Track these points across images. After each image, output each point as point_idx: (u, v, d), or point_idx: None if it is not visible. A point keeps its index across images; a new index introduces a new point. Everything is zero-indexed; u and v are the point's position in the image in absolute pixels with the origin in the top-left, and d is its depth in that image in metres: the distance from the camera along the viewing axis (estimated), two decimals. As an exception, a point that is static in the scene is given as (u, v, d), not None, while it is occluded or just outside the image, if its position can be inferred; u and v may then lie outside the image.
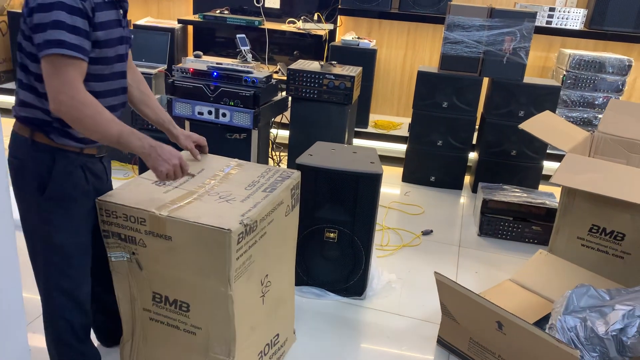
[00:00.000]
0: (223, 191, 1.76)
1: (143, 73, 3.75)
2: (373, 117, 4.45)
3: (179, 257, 1.62)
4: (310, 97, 3.38)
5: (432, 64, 4.46)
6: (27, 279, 1.64)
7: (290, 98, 3.36)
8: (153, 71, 3.74)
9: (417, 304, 2.53)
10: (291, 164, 3.58)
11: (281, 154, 4.02)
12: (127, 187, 1.74)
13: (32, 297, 1.85)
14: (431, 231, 3.24)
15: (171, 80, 2.67)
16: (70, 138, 1.56)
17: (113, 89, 1.61)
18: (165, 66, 3.91)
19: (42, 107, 1.51)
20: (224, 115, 2.64)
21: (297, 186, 1.93)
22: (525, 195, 3.27)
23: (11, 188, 1.41)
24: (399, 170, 4.13)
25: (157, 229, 1.60)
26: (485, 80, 3.80)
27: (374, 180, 2.32)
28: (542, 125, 2.70)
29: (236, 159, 2.01)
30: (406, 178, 3.98)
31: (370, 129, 4.29)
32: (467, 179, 4.03)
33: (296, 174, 1.93)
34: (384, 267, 2.76)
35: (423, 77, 3.76)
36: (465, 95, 3.71)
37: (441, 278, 2.06)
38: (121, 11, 1.59)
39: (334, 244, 2.43)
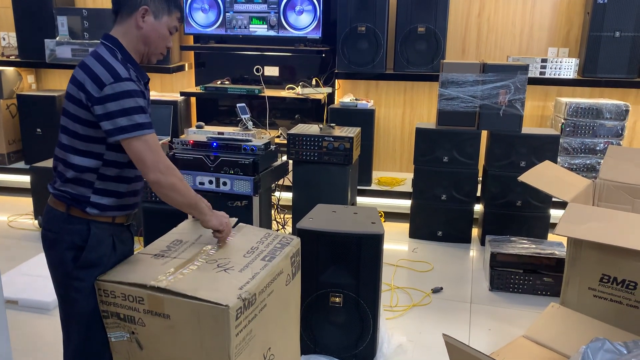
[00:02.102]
0: (221, 258, 1.75)
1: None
2: (376, 174, 4.48)
3: (179, 335, 1.60)
4: (310, 160, 3.41)
5: (430, 120, 4.52)
6: None
7: (291, 162, 3.40)
8: (157, 143, 3.83)
9: (429, 366, 2.45)
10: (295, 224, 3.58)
11: (286, 216, 4.02)
12: (125, 265, 1.75)
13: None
14: (441, 288, 3.18)
15: (172, 152, 2.72)
16: (103, 209, 1.69)
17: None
18: (170, 137, 3.99)
19: (87, 182, 1.66)
20: (224, 183, 2.68)
21: (297, 253, 1.92)
22: (534, 246, 3.23)
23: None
24: (405, 227, 4.11)
25: (155, 307, 1.59)
26: (484, 133, 3.83)
27: (376, 241, 2.31)
28: (541, 176, 2.69)
29: (234, 218, 2.00)
30: (413, 234, 3.95)
31: (374, 186, 4.30)
32: (475, 231, 3.99)
33: (295, 241, 1.92)
34: (394, 329, 2.70)
35: (422, 134, 3.80)
36: (465, 149, 3.74)
37: (450, 340, 2.00)
38: (148, 91, 1.78)
39: (339, 308, 2.39)
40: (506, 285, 3.16)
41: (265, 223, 2.91)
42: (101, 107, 1.56)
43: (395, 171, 4.71)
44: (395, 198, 4.24)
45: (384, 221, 4.25)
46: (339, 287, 2.37)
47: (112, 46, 1.66)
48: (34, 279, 3.13)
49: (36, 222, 4.06)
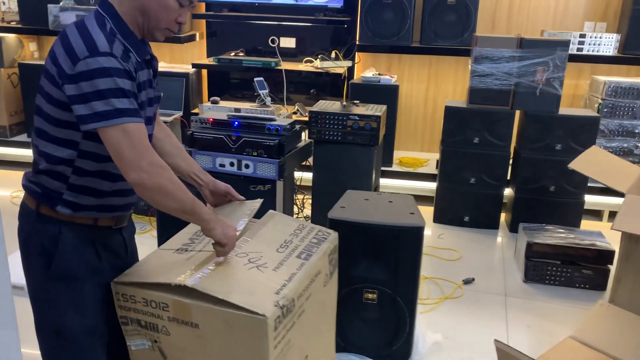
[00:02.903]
0: (252, 251, 1.55)
1: (158, 121, 3.61)
2: (397, 154, 4.25)
3: (208, 347, 1.41)
4: (334, 140, 3.18)
5: (455, 97, 4.28)
6: None
7: (312, 141, 3.17)
8: (169, 119, 3.60)
9: (468, 368, 2.27)
10: (316, 210, 3.38)
11: (305, 197, 3.81)
12: (145, 263, 1.54)
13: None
14: (473, 279, 2.99)
15: (190, 131, 2.50)
16: (78, 209, 1.39)
17: None
18: (181, 113, 3.76)
19: (61, 175, 1.37)
20: (247, 166, 2.46)
21: (335, 250, 1.72)
22: (572, 236, 3.02)
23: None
24: (429, 210, 3.90)
25: (182, 315, 1.39)
26: (518, 113, 3.59)
27: (416, 234, 2.10)
28: (592, 163, 2.47)
29: (258, 200, 1.79)
30: (438, 219, 3.75)
31: (395, 167, 4.08)
32: (503, 216, 3.78)
33: (333, 236, 1.71)
34: (427, 324, 2.51)
35: (451, 113, 3.56)
36: (497, 130, 3.50)
37: (503, 347, 1.81)
38: (151, 71, 1.45)
39: (374, 305, 2.20)
40: (542, 277, 2.97)
41: (289, 208, 2.71)
42: (74, 86, 1.25)
43: (416, 151, 4.48)
44: (417, 180, 4.03)
45: (406, 204, 4.04)
46: (374, 283, 2.17)
47: (103, 13, 1.33)
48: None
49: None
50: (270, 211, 1.78)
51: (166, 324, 1.42)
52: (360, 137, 3.14)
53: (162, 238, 2.95)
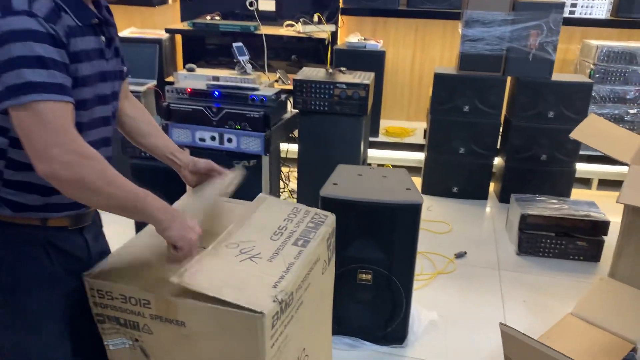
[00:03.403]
0: (244, 241, 1.40)
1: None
2: (383, 124, 4.10)
3: (197, 346, 1.27)
4: (320, 110, 3.02)
5: (443, 63, 4.12)
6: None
7: (297, 111, 3.00)
8: (141, 88, 3.37)
9: (467, 347, 2.19)
10: (302, 183, 3.23)
11: (290, 170, 3.66)
12: (121, 253, 1.38)
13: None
14: (465, 253, 2.90)
15: (166, 103, 2.30)
16: (19, 209, 1.15)
17: (91, 142, 1.15)
18: (155, 82, 3.53)
19: None
20: (229, 140, 2.29)
21: (333, 233, 1.58)
22: (566, 207, 2.94)
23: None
24: (416, 182, 3.78)
25: (165, 313, 1.25)
26: (509, 80, 3.46)
27: (414, 212, 1.98)
28: (592, 132, 2.36)
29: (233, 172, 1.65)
30: (426, 190, 3.64)
31: (381, 138, 3.94)
32: (492, 186, 3.69)
33: (330, 219, 1.57)
34: (421, 301, 2.42)
35: (441, 80, 3.41)
36: (488, 97, 3.37)
37: (508, 330, 1.72)
38: (103, 38, 1.19)
39: (368, 286, 2.09)
40: (535, 250, 2.89)
41: (275, 185, 2.56)
42: None
43: (402, 119, 4.34)
44: (405, 150, 3.90)
45: (393, 175, 3.92)
46: (369, 263, 2.05)
47: None
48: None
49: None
50: (261, 195, 1.63)
51: (148, 322, 1.28)
52: (348, 106, 2.98)
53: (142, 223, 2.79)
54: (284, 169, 3.53)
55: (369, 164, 3.86)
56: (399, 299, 2.08)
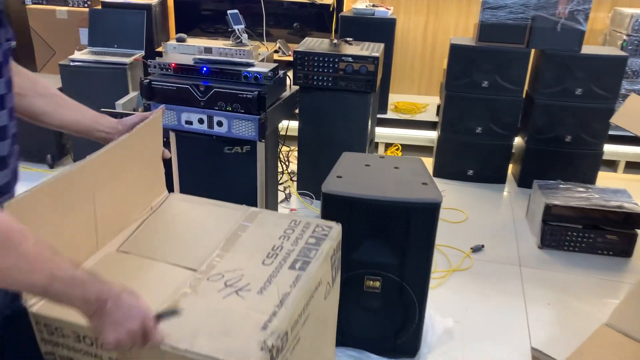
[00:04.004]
0: (229, 270, 1.14)
1: (114, 63, 3.07)
2: (392, 99, 3.79)
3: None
4: (323, 86, 2.72)
5: (458, 33, 3.78)
6: None
7: (298, 87, 2.70)
8: (127, 60, 3.06)
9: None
10: (302, 166, 2.96)
11: (291, 150, 3.38)
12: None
13: None
14: (482, 247, 2.63)
15: (146, 80, 2.01)
16: None
17: None
18: (143, 52, 3.22)
19: None
20: (219, 124, 2.00)
21: (339, 247, 1.31)
22: (596, 196, 2.66)
23: None
24: (427, 162, 3.50)
25: (127, 357, 0.99)
26: (533, 53, 3.13)
27: (432, 212, 1.70)
28: (636, 116, 2.06)
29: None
30: (438, 172, 3.35)
31: (390, 114, 3.63)
32: (510, 168, 3.40)
33: (335, 231, 1.30)
34: (435, 304, 2.16)
35: (457, 52, 3.09)
36: (510, 72, 3.05)
37: (541, 356, 1.46)
38: None
39: (377, 294, 1.83)
40: (560, 243, 2.62)
41: (272, 173, 2.28)
42: None
43: (412, 94, 4.02)
44: (415, 128, 3.60)
45: (401, 155, 3.63)
46: (378, 269, 1.79)
47: None
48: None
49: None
50: (252, 209, 1.36)
51: (107, 368, 1.02)
52: (354, 82, 2.68)
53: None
54: (285, 148, 3.26)
55: (376, 143, 3.57)
56: (411, 308, 1.82)
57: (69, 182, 1.07)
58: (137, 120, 1.23)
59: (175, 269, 1.18)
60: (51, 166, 3.30)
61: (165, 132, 2.33)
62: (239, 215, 1.33)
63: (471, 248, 2.61)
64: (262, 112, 1.96)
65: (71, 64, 3.05)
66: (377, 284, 1.81)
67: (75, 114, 1.17)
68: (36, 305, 1.03)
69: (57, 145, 3.28)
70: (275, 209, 2.44)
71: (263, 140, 1.99)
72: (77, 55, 3.12)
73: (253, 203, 2.17)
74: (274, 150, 2.29)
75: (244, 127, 2.00)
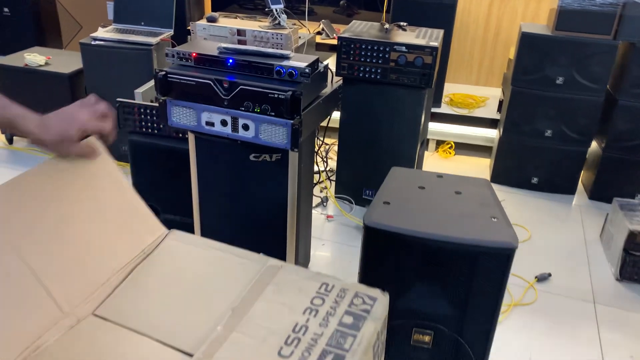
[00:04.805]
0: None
1: (139, 43, 2.77)
2: (447, 89, 3.37)
3: None
4: (371, 79, 2.35)
5: (527, 18, 3.32)
6: None
7: (341, 81, 2.35)
8: (153, 40, 2.76)
9: None
10: (343, 169, 2.62)
11: (332, 144, 3.04)
12: None
13: None
14: (549, 275, 2.25)
15: (162, 72, 1.69)
16: None
17: None
18: (172, 32, 2.91)
19: None
20: (245, 127, 1.67)
21: (384, 328, 0.97)
22: (693, 223, 2.22)
23: None
24: (484, 165, 3.11)
25: None
26: (621, 46, 2.65)
27: (504, 258, 1.34)
28: None
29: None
30: (497, 178, 2.95)
31: (444, 108, 3.23)
32: (581, 177, 2.97)
33: (381, 306, 0.96)
34: (493, 352, 1.81)
35: (529, 42, 2.65)
36: (590, 67, 2.60)
37: None
38: None
39: (426, 349, 1.49)
40: (643, 276, 2.22)
41: (306, 184, 1.94)
42: None
43: (470, 84, 3.59)
44: (471, 125, 3.19)
45: (454, 154, 3.24)
46: (430, 320, 1.45)
47: None
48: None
49: (3, 136, 3.16)
50: (270, 262, 1.03)
51: None
52: (407, 76, 2.30)
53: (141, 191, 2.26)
54: (328, 141, 2.93)
55: (427, 141, 3.19)
56: (468, 370, 1.48)
57: None
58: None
59: (166, 351, 0.87)
60: (10, 141, 3.09)
61: (184, 132, 2.02)
62: (253, 272, 1.01)
63: (536, 277, 2.23)
64: (297, 116, 1.62)
65: (92, 42, 2.77)
66: (428, 338, 1.47)
67: None
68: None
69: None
70: (309, 222, 2.11)
71: (296, 150, 1.65)
72: (100, 32, 2.84)
73: (281, 217, 1.85)
74: (309, 158, 1.95)
75: (274, 133, 1.66)
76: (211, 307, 0.94)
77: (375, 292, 0.97)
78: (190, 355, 0.85)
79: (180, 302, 0.96)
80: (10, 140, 3.10)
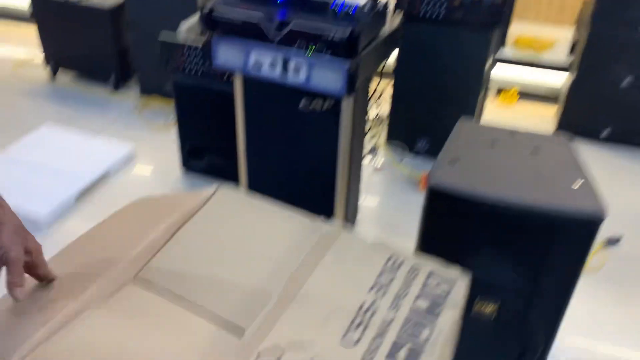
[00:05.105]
0: (291, 342, 0.72)
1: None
2: (512, 30, 3.08)
3: None
4: (432, 17, 2.13)
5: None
6: None
7: (401, 20, 2.13)
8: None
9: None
10: (396, 118, 2.45)
11: (386, 86, 2.84)
12: None
13: None
14: (619, 239, 2.06)
15: (208, 9, 1.54)
16: None
17: None
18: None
19: None
20: (296, 70, 1.52)
21: (461, 314, 0.85)
22: None
23: None
24: (549, 112, 2.87)
25: None
26: None
27: (589, 230, 1.18)
28: None
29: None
30: (564, 126, 2.71)
31: (508, 51, 2.96)
32: (657, 130, 2.69)
33: (461, 290, 0.83)
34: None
35: (615, -25, 2.34)
36: (686, 6, 2.28)
37: None
38: None
39: (488, 323, 1.37)
40: None
41: (359, 136, 1.78)
42: None
43: (539, 22, 3.27)
44: (539, 69, 2.92)
45: (517, 101, 3.00)
46: (497, 290, 1.32)
47: None
48: (25, 172, 2.26)
49: (48, 67, 3.09)
50: (327, 227, 0.91)
51: None
52: (473, 14, 2.08)
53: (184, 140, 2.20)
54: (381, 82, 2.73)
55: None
56: (532, 346, 1.36)
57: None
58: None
59: (211, 330, 0.76)
60: (116, 87, 3.00)
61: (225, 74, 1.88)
62: (308, 238, 0.89)
63: (605, 240, 2.05)
64: (355, 56, 1.45)
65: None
66: (491, 309, 1.35)
67: None
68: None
69: (121, 65, 2.94)
70: (359, 174, 1.97)
71: (352, 95, 1.49)
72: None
73: (331, 169, 1.72)
74: (363, 106, 1.78)
75: (327, 77, 1.50)
76: (263, 272, 0.83)
77: (454, 272, 0.84)
78: (242, 328, 0.74)
79: (230, 265, 0.86)
80: (116, 86, 3.00)
